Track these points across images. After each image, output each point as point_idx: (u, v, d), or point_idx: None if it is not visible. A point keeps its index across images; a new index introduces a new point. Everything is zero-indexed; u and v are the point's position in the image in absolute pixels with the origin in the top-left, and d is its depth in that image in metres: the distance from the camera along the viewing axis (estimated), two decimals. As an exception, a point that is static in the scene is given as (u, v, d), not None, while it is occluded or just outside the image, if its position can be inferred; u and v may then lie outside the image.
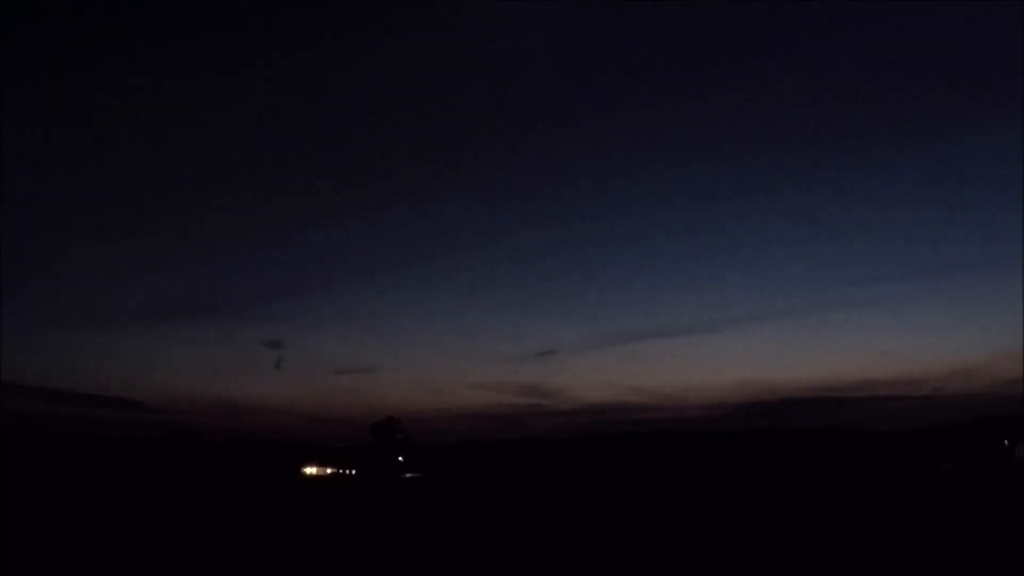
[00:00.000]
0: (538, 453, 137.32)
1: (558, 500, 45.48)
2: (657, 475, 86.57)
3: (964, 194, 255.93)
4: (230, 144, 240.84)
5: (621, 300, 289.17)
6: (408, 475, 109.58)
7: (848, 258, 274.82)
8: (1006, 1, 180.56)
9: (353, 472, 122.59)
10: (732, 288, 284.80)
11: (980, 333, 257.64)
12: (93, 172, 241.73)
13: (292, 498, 52.54)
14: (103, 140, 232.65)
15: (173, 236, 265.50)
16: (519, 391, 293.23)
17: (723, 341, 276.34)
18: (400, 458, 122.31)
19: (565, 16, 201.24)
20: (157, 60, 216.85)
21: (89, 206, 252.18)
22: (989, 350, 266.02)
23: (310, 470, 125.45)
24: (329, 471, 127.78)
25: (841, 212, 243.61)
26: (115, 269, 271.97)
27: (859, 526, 26.44)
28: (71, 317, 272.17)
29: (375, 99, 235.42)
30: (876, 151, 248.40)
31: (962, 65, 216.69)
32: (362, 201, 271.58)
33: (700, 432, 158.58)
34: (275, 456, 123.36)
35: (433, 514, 36.47)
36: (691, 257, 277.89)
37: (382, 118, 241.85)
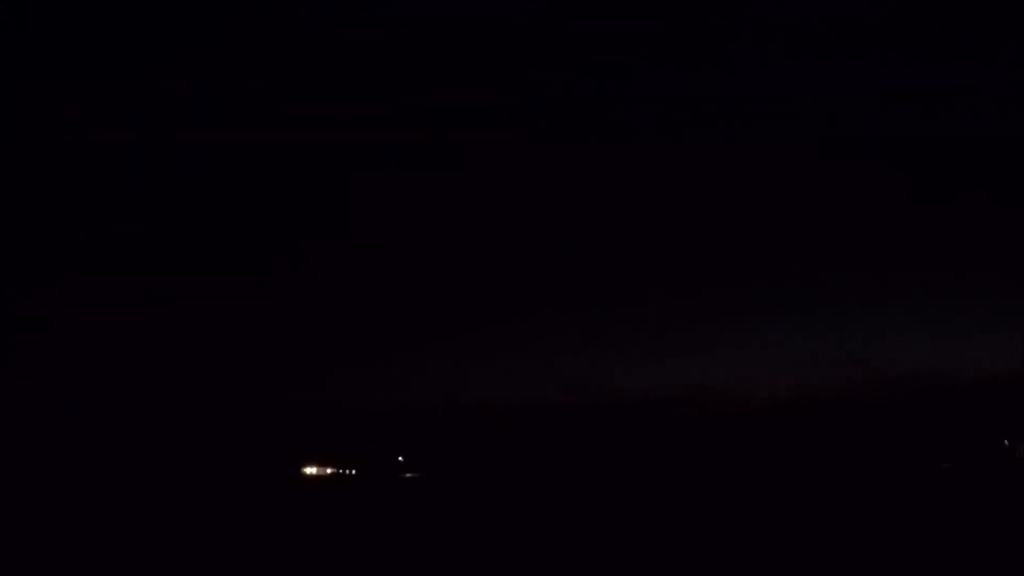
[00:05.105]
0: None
1: (569, 502, 44.06)
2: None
3: (973, 196, 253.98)
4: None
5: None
6: (408, 475, 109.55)
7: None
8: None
9: (353, 472, 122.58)
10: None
11: (980, 332, 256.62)
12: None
13: (292, 498, 52.53)
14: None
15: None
16: (553, 384, 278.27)
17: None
18: (400, 458, 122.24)
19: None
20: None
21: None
22: (989, 349, 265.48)
23: (310, 470, 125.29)
24: (329, 471, 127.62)
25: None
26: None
27: (860, 525, 26.44)
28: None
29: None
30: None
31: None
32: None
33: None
34: (275, 456, 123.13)
35: (428, 515, 36.42)
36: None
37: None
